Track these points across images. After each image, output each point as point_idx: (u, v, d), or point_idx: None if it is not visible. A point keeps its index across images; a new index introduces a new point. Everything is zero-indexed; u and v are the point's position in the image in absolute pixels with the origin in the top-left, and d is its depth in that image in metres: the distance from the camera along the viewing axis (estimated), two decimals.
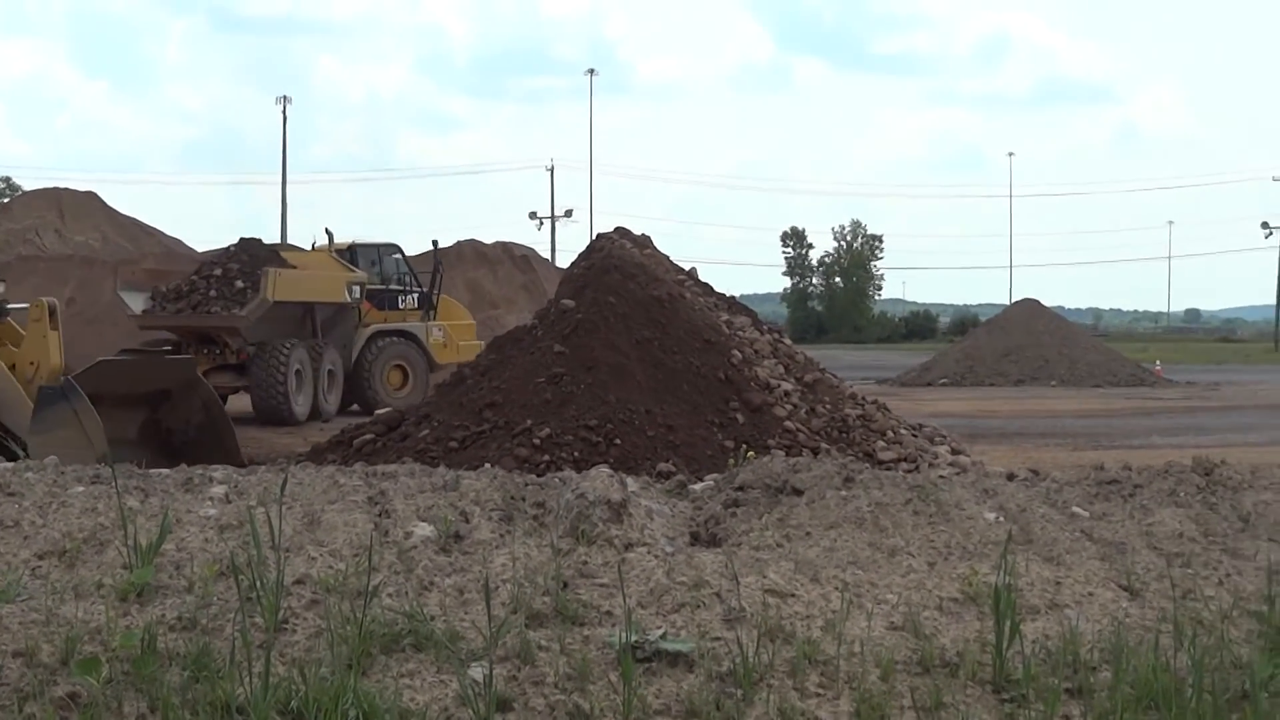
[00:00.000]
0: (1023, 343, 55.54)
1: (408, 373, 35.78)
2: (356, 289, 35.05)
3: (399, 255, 38.00)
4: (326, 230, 37.02)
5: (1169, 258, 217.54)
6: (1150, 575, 7.42)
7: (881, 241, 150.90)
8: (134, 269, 36.69)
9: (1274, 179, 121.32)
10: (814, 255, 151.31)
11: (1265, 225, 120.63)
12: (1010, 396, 44.84)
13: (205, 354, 31.74)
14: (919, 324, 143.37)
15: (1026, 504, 8.14)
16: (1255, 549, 7.84)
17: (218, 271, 32.85)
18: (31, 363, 20.08)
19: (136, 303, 32.98)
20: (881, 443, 19.79)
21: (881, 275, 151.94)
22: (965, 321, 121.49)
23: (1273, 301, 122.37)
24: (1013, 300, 70.55)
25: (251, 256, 33.66)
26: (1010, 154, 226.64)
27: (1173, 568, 7.50)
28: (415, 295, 37.32)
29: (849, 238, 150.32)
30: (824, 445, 18.95)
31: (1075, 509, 8.20)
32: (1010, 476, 8.95)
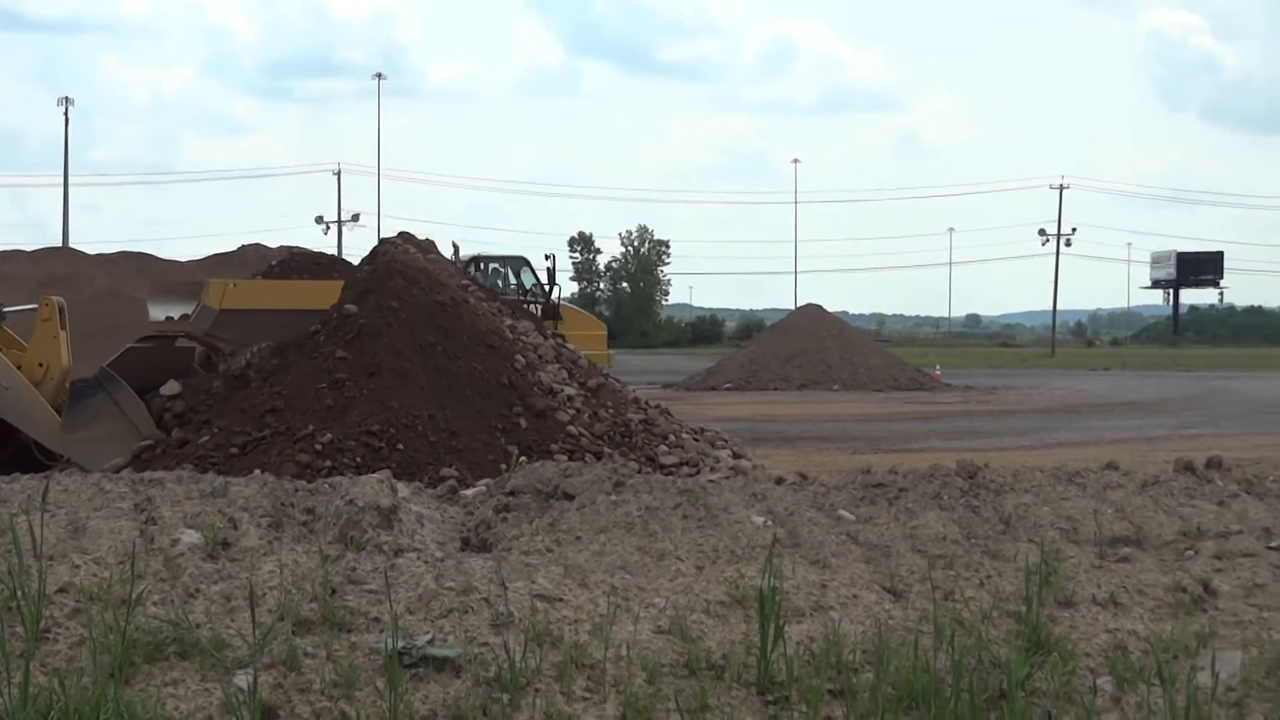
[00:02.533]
0: (806, 348, 56.06)
1: None
2: None
3: (527, 267, 39.31)
4: (453, 243, 38.32)
5: (950, 264, 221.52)
6: (913, 577, 7.55)
7: (668, 247, 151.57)
8: (168, 281, 37.62)
9: (1051, 187, 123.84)
10: (601, 260, 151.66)
11: (1043, 232, 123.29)
12: (793, 401, 45.29)
13: (219, 357, 33.00)
14: (705, 329, 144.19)
15: (794, 507, 8.23)
16: (1015, 550, 8.00)
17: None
18: (40, 364, 19.44)
19: (160, 312, 33.81)
20: (664, 447, 19.87)
21: (668, 280, 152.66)
22: (751, 326, 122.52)
23: (1049, 307, 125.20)
24: (797, 306, 71.22)
25: (285, 267, 34.57)
26: (795, 161, 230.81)
27: (935, 569, 7.64)
28: (538, 306, 37.60)
29: (636, 243, 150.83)
30: (607, 449, 18.98)
31: (842, 512, 8.30)
32: (779, 480, 9.04)
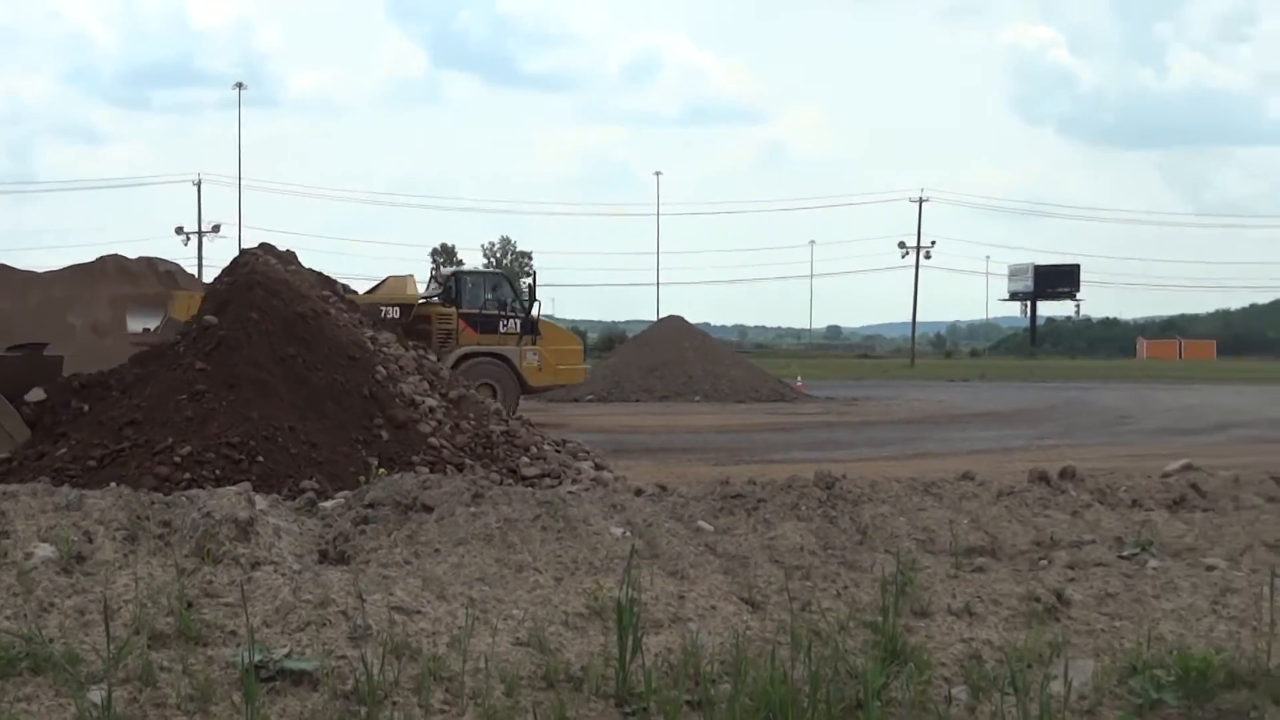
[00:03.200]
0: (668, 359, 56.18)
1: (496, 391, 37.17)
2: (392, 310, 37.01)
3: (505, 283, 40.84)
4: (434, 260, 40.55)
5: (811, 276, 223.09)
6: (771, 588, 7.59)
7: (531, 258, 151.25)
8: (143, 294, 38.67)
9: (911, 200, 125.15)
10: None
11: (903, 245, 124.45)
12: (656, 412, 45.37)
13: None
14: None
15: (653, 519, 8.26)
16: (872, 561, 8.07)
17: None
18: None
19: (138, 325, 35.02)
20: (525, 458, 19.85)
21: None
22: (613, 338, 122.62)
23: (910, 319, 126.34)
24: (660, 317, 71.36)
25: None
26: (658, 173, 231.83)
27: (793, 580, 7.68)
28: (517, 320, 39.41)
29: (499, 254, 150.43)
30: (468, 461, 18.93)
31: (701, 523, 8.34)
32: (638, 492, 9.06)
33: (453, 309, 39.44)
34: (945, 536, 8.46)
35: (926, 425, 39.53)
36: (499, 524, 7.86)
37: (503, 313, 39.77)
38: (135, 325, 34.97)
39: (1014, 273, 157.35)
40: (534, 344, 39.62)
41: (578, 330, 54.95)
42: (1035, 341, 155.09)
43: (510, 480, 17.83)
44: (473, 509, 8.03)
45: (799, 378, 61.00)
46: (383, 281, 40.69)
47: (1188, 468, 11.61)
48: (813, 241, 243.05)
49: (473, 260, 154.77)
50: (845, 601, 7.57)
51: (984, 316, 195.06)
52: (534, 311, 40.21)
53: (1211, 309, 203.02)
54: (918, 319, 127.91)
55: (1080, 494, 9.66)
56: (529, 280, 41.47)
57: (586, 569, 7.54)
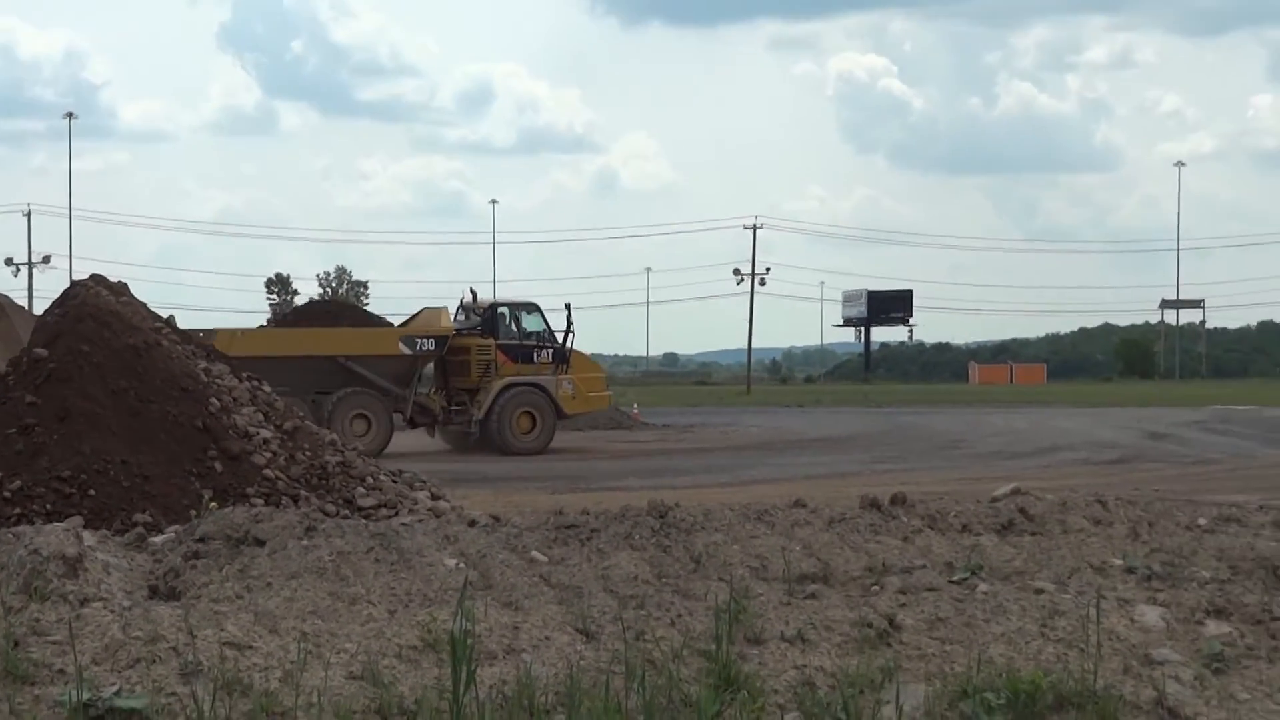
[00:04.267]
0: None
1: (535, 419, 40.46)
2: (427, 342, 39.90)
3: (538, 314, 42.21)
4: (470, 289, 42.96)
5: (647, 303, 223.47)
6: (605, 618, 7.59)
7: (367, 288, 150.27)
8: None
9: (745, 227, 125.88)
10: (299, 302, 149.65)
11: (737, 272, 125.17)
12: None
13: None
14: None
15: (487, 550, 8.22)
16: (705, 589, 8.10)
17: None
18: None
19: None
20: (361, 489, 19.67)
21: None
22: None
23: (745, 345, 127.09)
24: None
25: (301, 315, 39.67)
26: (493, 201, 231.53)
27: (627, 610, 7.69)
28: (550, 350, 41.38)
29: (335, 284, 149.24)
30: (304, 493, 18.72)
31: (535, 554, 8.32)
32: (472, 522, 9.03)
33: (491, 340, 41.00)
34: (778, 564, 8.50)
35: (762, 451, 39.88)
36: (332, 557, 7.79)
37: (538, 343, 41.62)
38: None
39: (848, 299, 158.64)
40: (566, 372, 41.36)
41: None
42: (869, 367, 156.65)
43: (347, 511, 17.69)
44: (305, 542, 7.95)
45: (635, 405, 61.13)
46: (417, 314, 42.06)
47: (1016, 492, 11.76)
48: (648, 269, 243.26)
49: (308, 291, 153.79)
50: (679, 630, 7.59)
51: (819, 342, 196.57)
52: (568, 341, 41.90)
53: (1042, 333, 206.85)
54: (753, 345, 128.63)
55: (911, 520, 9.76)
56: (566, 311, 42.77)
57: (420, 601, 7.49)
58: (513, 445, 39.71)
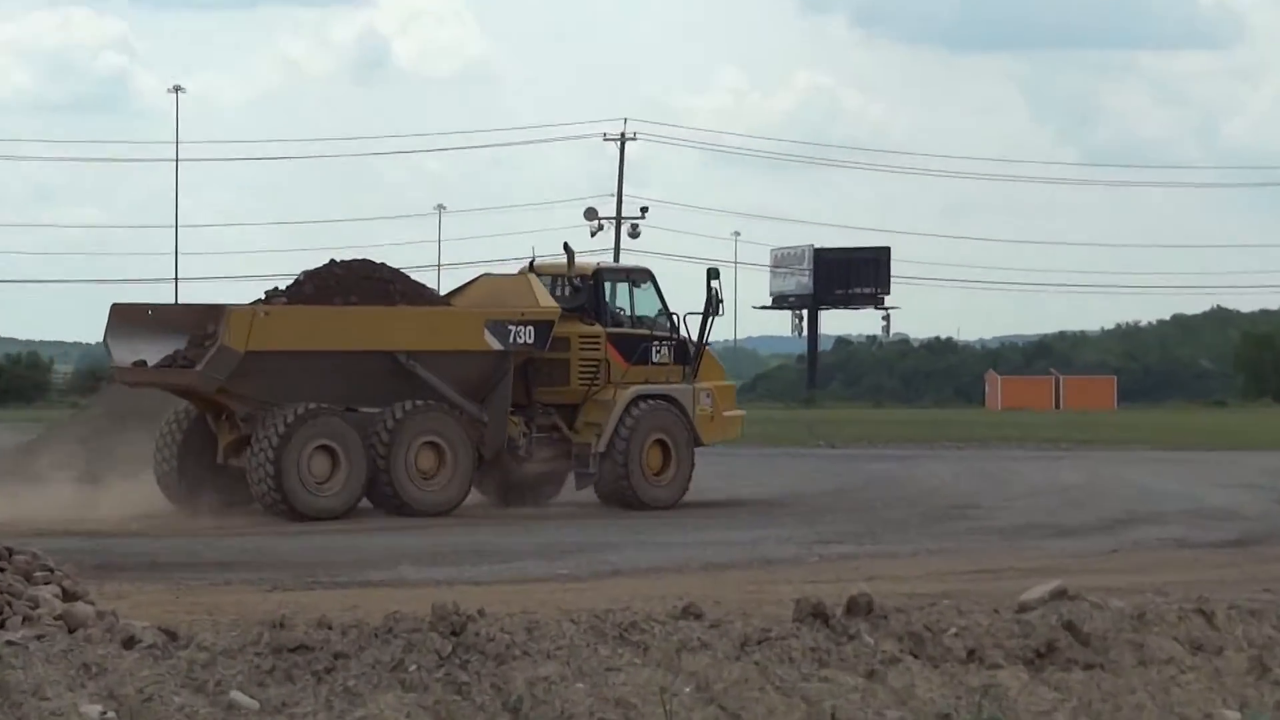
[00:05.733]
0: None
1: (670, 452, 41.33)
2: (524, 331, 40.03)
3: (652, 285, 43.62)
4: (565, 246, 43.33)
5: (438, 265, 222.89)
6: None
7: None
8: (135, 306, 42.02)
9: (606, 139, 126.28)
10: None
11: (592, 214, 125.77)
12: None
13: (225, 421, 38.54)
14: None
15: (155, 689, 8.21)
16: None
17: None
18: None
19: (125, 352, 38.57)
20: None
21: None
22: (96, 371, 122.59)
23: None
24: None
25: (320, 286, 39.34)
26: (176, 89, 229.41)
27: None
28: (670, 345, 42.50)
29: None
30: None
31: (237, 695, 8.32)
32: (130, 641, 8.99)
33: (598, 327, 41.63)
34: (654, 717, 8.58)
35: (630, 518, 39.80)
36: None
37: (653, 332, 42.52)
38: (123, 356, 38.47)
39: (781, 261, 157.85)
40: (697, 378, 42.25)
41: None
42: (816, 379, 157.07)
43: None
44: None
45: None
46: (471, 283, 42.88)
47: (1061, 594, 11.92)
48: (440, 207, 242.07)
49: None
50: None
51: (730, 336, 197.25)
52: (707, 330, 43.49)
53: (1109, 324, 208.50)
54: None
55: (882, 640, 9.86)
56: (715, 281, 43.89)
57: None
58: (646, 493, 40.63)
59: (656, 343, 42.35)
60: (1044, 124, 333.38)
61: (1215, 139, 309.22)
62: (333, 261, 40.40)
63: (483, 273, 43.25)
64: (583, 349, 41.19)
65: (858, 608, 10.15)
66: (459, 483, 39.10)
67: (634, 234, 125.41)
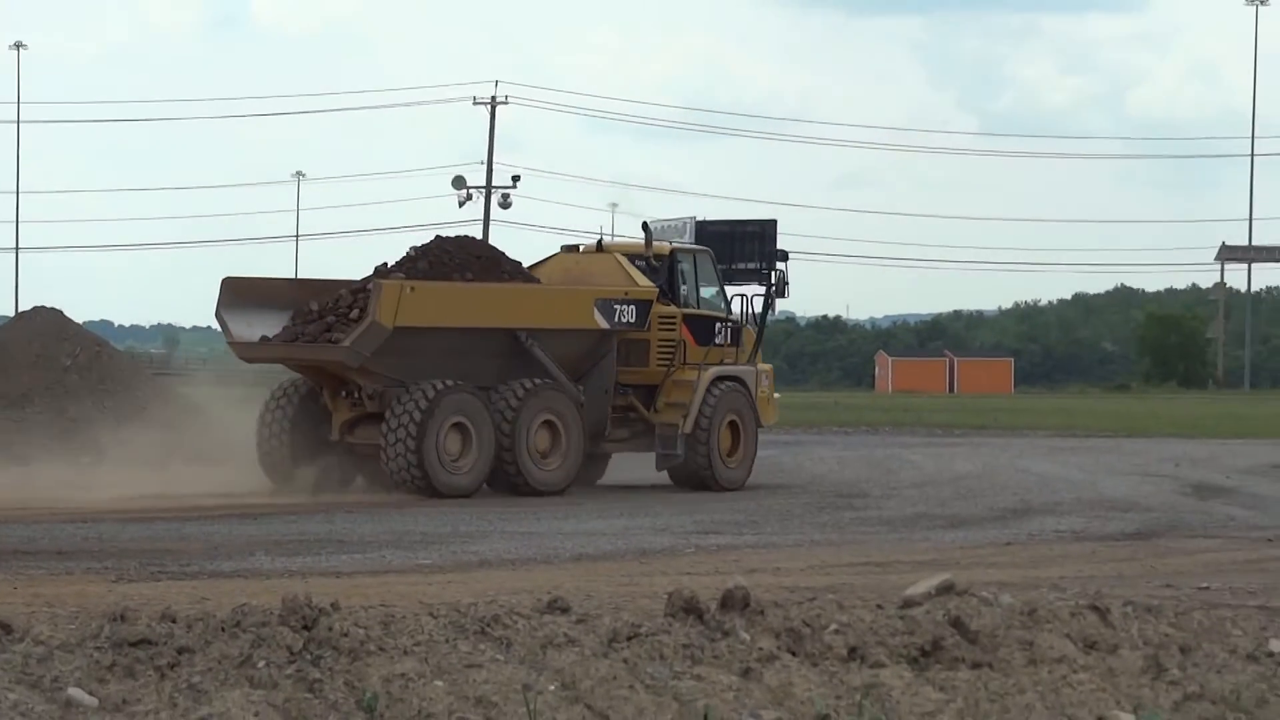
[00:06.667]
0: (35, 385, 55.63)
1: (740, 434, 44.18)
2: (627, 310, 42.34)
3: (711, 264, 46.07)
4: (645, 226, 46.14)
5: (297, 236, 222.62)
6: None
7: None
8: (252, 281, 43.39)
9: (476, 103, 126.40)
10: None
11: (461, 183, 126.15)
12: (15, 481, 44.75)
13: (345, 399, 40.26)
14: None
15: None
16: None
17: (372, 285, 39.41)
18: None
19: (246, 327, 40.58)
20: None
21: None
22: None
23: None
24: (19, 311, 71.02)
25: (434, 262, 40.86)
26: (17, 45, 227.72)
27: None
28: (730, 326, 45.17)
29: None
30: None
31: (74, 692, 8.30)
32: None
33: (673, 307, 43.83)
34: (516, 716, 8.59)
35: (497, 505, 39.72)
36: None
37: (713, 314, 45.14)
38: (243, 331, 40.69)
39: (661, 233, 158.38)
40: (755, 360, 45.33)
41: None
42: None
43: None
44: None
45: None
46: (548, 260, 45.09)
47: (948, 589, 11.97)
48: (299, 174, 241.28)
49: None
50: None
51: None
52: (770, 310, 46.83)
53: (1007, 303, 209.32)
54: None
55: (758, 637, 9.89)
56: (781, 265, 46.64)
57: None
58: (722, 475, 43.08)
59: (719, 324, 44.59)
60: (943, 91, 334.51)
61: (1122, 108, 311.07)
62: (439, 238, 42.51)
63: (560, 247, 45.00)
64: (662, 329, 43.29)
65: (733, 602, 10.17)
66: (571, 463, 40.83)
67: (505, 204, 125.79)
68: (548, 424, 40.97)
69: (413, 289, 39.52)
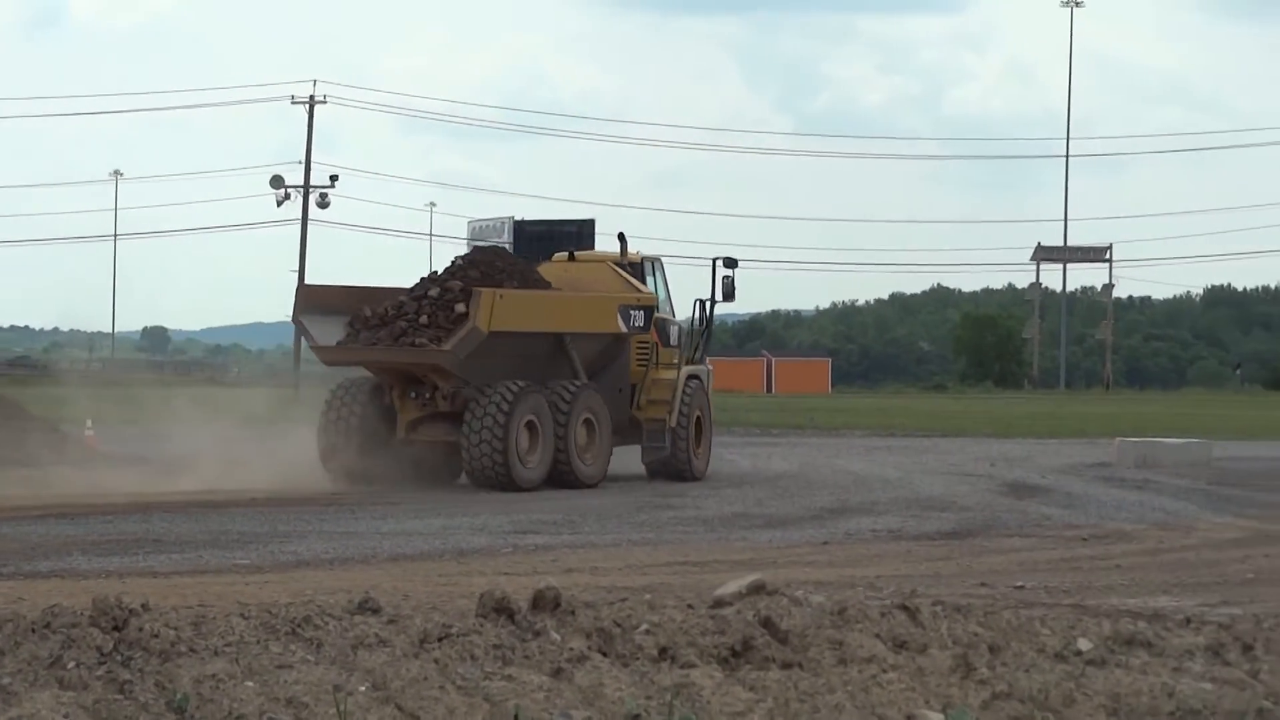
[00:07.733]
0: None
1: (702, 428, 48.49)
2: (638, 315, 46.11)
3: (662, 271, 49.79)
4: (620, 236, 49.07)
5: (115, 236, 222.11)
6: None
7: None
8: (324, 289, 47.42)
9: (294, 101, 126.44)
10: None
11: (279, 183, 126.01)
12: None
13: (414, 398, 43.12)
14: None
15: None
16: None
17: (434, 291, 42.77)
18: None
19: (324, 331, 43.49)
20: None
21: None
22: None
23: (291, 316, 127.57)
24: None
25: (484, 272, 43.40)
26: None
27: None
28: (679, 328, 49.43)
29: None
30: None
31: None
32: None
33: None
34: (327, 717, 8.60)
35: (317, 507, 39.56)
36: None
37: (672, 318, 49.45)
38: (324, 336, 43.84)
39: (478, 233, 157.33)
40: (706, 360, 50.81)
41: None
42: None
43: None
44: None
45: (89, 422, 60.55)
46: (547, 264, 47.95)
47: (759, 589, 12.02)
48: (117, 173, 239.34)
49: None
50: None
51: None
52: (712, 311, 50.27)
53: (825, 303, 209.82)
54: None
55: (569, 637, 9.92)
56: (728, 271, 49.71)
57: None
58: (694, 465, 47.42)
59: (674, 327, 48.80)
60: (760, 91, 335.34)
61: (939, 109, 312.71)
62: (477, 248, 47.40)
63: (554, 256, 48.17)
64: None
65: (544, 603, 10.21)
66: (604, 457, 44.84)
67: (323, 204, 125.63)
68: (586, 421, 44.16)
69: (502, 296, 42.12)
